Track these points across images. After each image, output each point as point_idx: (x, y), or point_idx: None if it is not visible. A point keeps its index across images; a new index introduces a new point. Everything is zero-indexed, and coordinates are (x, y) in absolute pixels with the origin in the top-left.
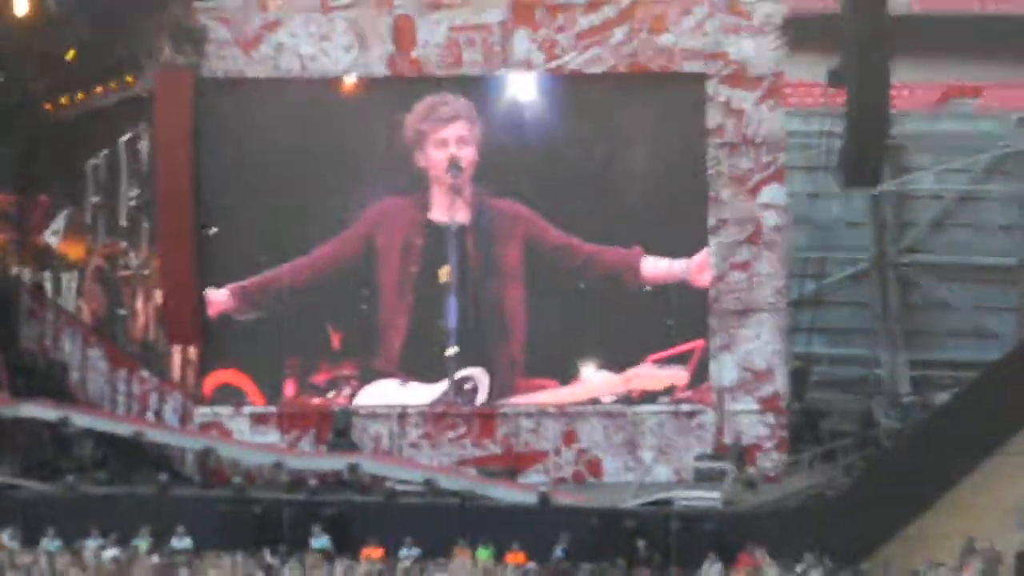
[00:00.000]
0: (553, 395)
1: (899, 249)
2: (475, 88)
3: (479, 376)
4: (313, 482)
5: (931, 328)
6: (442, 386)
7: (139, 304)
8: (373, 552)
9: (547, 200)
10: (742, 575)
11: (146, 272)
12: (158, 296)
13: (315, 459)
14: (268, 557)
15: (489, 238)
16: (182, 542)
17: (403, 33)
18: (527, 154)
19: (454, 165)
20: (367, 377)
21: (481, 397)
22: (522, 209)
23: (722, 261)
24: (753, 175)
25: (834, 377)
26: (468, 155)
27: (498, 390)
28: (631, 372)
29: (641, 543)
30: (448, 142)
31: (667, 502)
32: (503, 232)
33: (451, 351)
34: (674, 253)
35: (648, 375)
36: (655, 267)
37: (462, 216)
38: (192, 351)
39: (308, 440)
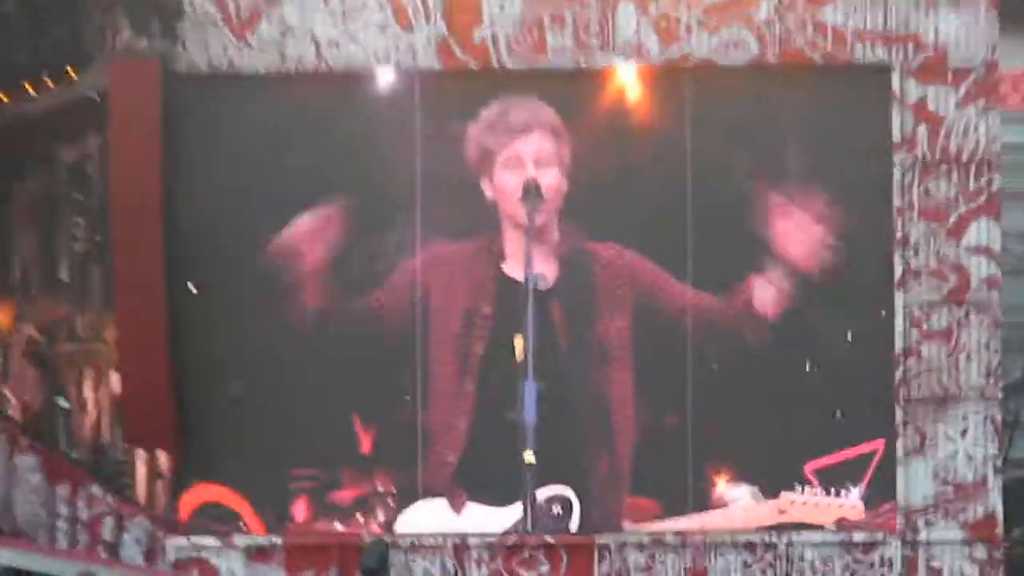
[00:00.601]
0: (672, 521)
1: None
2: (562, 87)
3: (568, 495)
4: None
5: None
6: (516, 508)
7: (87, 392)
8: None
9: (665, 243)
10: None
11: (97, 346)
12: (115, 381)
13: None
14: None
15: (584, 298)
16: None
17: (461, 9)
18: (636, 179)
19: (531, 193)
20: (410, 495)
21: (573, 524)
22: (631, 257)
23: (912, 328)
24: (957, 206)
25: None
26: (552, 180)
27: (595, 513)
28: (788, 496)
29: None
30: (522, 161)
31: None
32: (603, 289)
33: (529, 457)
34: (845, 314)
35: (812, 506)
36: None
37: (545, 268)
38: (163, 458)
39: None
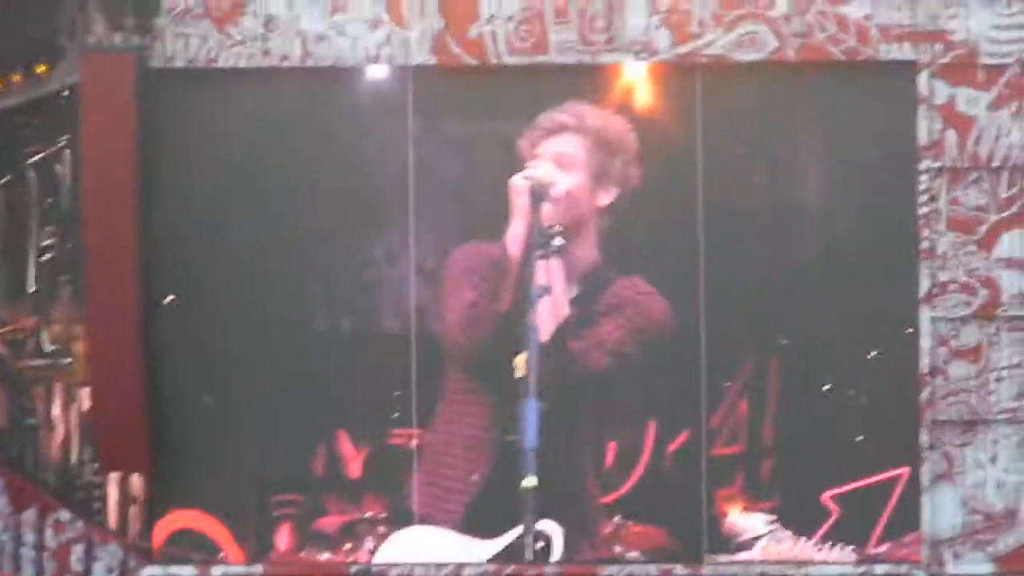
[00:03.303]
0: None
1: None
2: (565, 85)
3: (548, 531)
4: None
5: None
6: (508, 538)
7: (56, 410)
8: None
9: (676, 250)
10: None
11: (66, 361)
12: (85, 398)
13: None
14: None
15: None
16: None
17: (457, 2)
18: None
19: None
20: (401, 522)
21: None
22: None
23: (939, 345)
24: (988, 216)
25: None
26: (570, 185)
27: (594, 544)
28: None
29: None
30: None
31: None
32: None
33: (529, 481)
34: (866, 335)
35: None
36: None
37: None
38: (136, 482)
39: None
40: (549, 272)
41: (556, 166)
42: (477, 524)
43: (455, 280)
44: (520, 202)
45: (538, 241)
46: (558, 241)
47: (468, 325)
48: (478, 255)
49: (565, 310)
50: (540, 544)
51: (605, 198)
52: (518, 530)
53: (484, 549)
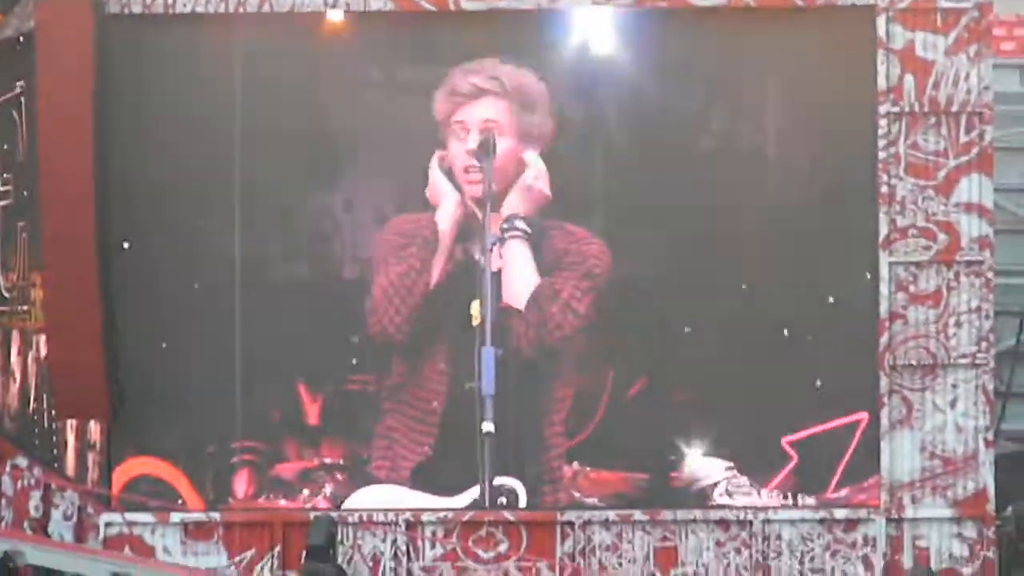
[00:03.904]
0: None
1: None
2: (513, 31)
3: (514, 487)
4: None
5: None
6: (468, 497)
7: (13, 356)
8: None
9: (637, 199)
10: None
11: (23, 308)
12: (42, 344)
13: None
14: None
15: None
16: None
17: None
18: (605, 131)
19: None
20: (360, 468)
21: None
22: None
23: (897, 290)
24: (946, 161)
25: None
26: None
27: (554, 489)
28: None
29: None
30: (468, 129)
31: None
32: (558, 253)
33: (487, 427)
34: (825, 281)
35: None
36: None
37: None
38: (94, 428)
39: (268, 562)
40: (512, 252)
41: (482, 134)
42: (435, 473)
43: (387, 252)
44: (444, 186)
45: (503, 228)
46: (522, 225)
47: (397, 298)
48: (409, 227)
49: (535, 279)
50: (502, 500)
51: (530, 154)
52: (476, 489)
53: (445, 505)
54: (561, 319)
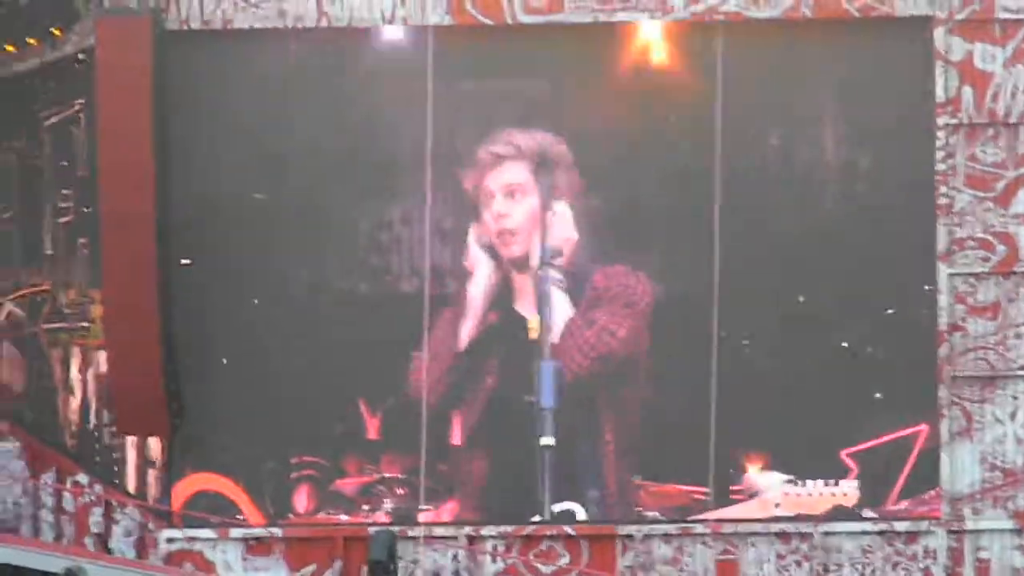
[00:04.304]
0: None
1: None
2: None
3: (574, 510)
4: None
5: None
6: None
7: (73, 373)
8: None
9: (691, 208)
10: None
11: (83, 325)
12: (102, 360)
13: None
14: None
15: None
16: None
17: None
18: (663, 142)
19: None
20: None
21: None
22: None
23: (956, 302)
24: (1005, 172)
25: None
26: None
27: (616, 502)
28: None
29: None
30: (494, 196)
31: None
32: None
33: (546, 441)
34: (884, 293)
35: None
36: None
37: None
38: (155, 444)
39: None
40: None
41: (506, 196)
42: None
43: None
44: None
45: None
46: (558, 277)
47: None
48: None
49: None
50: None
51: (556, 207)
52: (541, 488)
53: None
54: (597, 340)
